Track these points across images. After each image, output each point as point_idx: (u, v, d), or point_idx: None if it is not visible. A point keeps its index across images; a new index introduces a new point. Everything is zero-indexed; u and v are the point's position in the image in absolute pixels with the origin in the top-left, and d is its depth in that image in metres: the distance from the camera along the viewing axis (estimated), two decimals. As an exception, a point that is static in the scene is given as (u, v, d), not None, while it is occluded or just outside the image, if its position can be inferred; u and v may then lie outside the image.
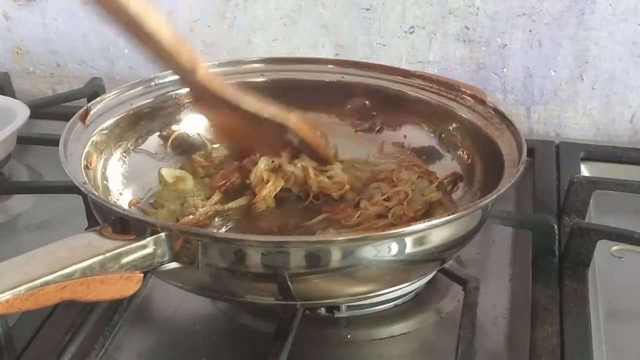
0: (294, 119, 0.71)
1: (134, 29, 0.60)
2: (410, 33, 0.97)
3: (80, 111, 0.69)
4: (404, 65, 0.96)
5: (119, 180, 0.70)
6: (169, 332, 0.63)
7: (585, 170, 0.87)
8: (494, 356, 0.61)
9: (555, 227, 0.70)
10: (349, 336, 0.62)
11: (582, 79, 0.95)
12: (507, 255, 0.73)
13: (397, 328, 0.63)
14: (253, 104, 0.70)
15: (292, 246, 0.53)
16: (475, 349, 0.56)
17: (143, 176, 0.73)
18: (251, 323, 0.64)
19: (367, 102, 0.80)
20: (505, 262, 0.72)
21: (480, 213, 0.59)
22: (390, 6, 0.96)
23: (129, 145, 0.73)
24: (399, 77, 0.78)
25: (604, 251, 0.71)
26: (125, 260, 0.52)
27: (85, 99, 0.96)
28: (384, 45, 0.98)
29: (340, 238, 0.55)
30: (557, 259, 0.69)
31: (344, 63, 0.82)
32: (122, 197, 0.70)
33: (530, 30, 0.93)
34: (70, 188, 0.75)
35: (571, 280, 0.67)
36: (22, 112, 0.83)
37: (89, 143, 0.68)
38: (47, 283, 0.48)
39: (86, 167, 0.66)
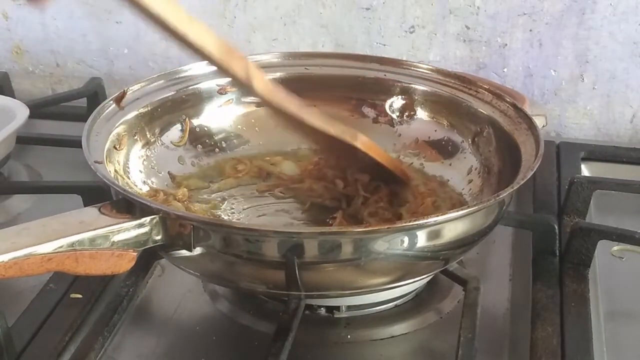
0: (363, 139, 0.68)
1: (179, 39, 0.57)
2: (411, 33, 0.96)
3: (116, 94, 0.70)
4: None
5: (142, 168, 0.71)
6: (168, 332, 0.63)
7: (585, 170, 0.87)
8: (494, 356, 0.61)
9: (556, 227, 0.70)
10: (349, 336, 0.62)
11: (583, 79, 0.95)
12: (507, 255, 0.73)
13: (398, 328, 0.63)
14: (318, 119, 0.66)
15: (279, 236, 0.54)
16: (475, 349, 0.55)
17: (164, 167, 0.73)
18: (251, 323, 0.63)
19: (396, 99, 0.80)
20: (506, 262, 0.72)
21: (496, 207, 0.60)
22: (390, 6, 0.95)
23: (155, 134, 0.73)
24: (437, 76, 0.78)
25: (605, 251, 0.71)
26: (117, 238, 0.53)
27: (85, 99, 0.96)
28: (384, 45, 0.97)
29: (351, 230, 0.55)
30: (557, 259, 0.69)
31: (366, 58, 0.82)
32: (147, 183, 0.70)
33: (530, 30, 0.93)
34: (69, 188, 0.76)
35: (572, 281, 0.67)
36: (21, 112, 0.83)
37: (121, 125, 0.68)
38: (32, 253, 0.49)
39: (115, 148, 0.67)
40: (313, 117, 0.66)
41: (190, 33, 0.56)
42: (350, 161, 0.71)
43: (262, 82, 0.63)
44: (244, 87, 0.64)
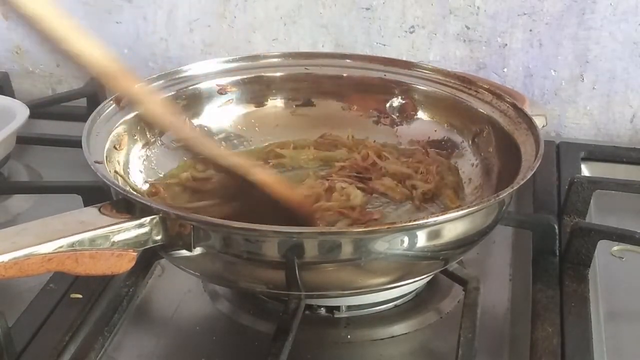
0: (261, 174, 0.62)
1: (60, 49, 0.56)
2: (411, 33, 0.96)
3: (116, 94, 0.69)
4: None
5: (142, 168, 0.71)
6: (168, 332, 0.63)
7: (585, 170, 0.87)
8: (494, 356, 0.61)
9: (556, 227, 0.70)
10: (349, 336, 0.62)
11: (583, 79, 0.95)
12: (507, 255, 0.73)
13: (397, 328, 0.63)
14: (212, 148, 0.63)
15: (278, 236, 0.54)
16: (475, 349, 0.55)
17: (164, 167, 0.73)
18: (251, 323, 0.63)
19: (396, 99, 0.80)
20: (506, 262, 0.72)
21: (496, 207, 0.60)
22: (390, 6, 0.95)
23: (155, 133, 0.73)
24: (437, 77, 0.78)
25: (605, 251, 0.71)
26: (117, 238, 0.53)
27: (85, 99, 0.96)
28: (384, 45, 0.97)
29: (351, 230, 0.56)
30: (557, 259, 0.69)
31: (366, 58, 0.83)
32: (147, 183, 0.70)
33: (530, 30, 0.93)
34: (69, 188, 0.76)
35: (572, 281, 0.67)
36: (21, 112, 0.83)
37: (121, 125, 0.68)
38: (32, 253, 0.49)
39: (115, 148, 0.67)
40: (206, 145, 0.63)
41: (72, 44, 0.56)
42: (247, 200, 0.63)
43: (152, 105, 0.61)
44: (132, 106, 0.64)
